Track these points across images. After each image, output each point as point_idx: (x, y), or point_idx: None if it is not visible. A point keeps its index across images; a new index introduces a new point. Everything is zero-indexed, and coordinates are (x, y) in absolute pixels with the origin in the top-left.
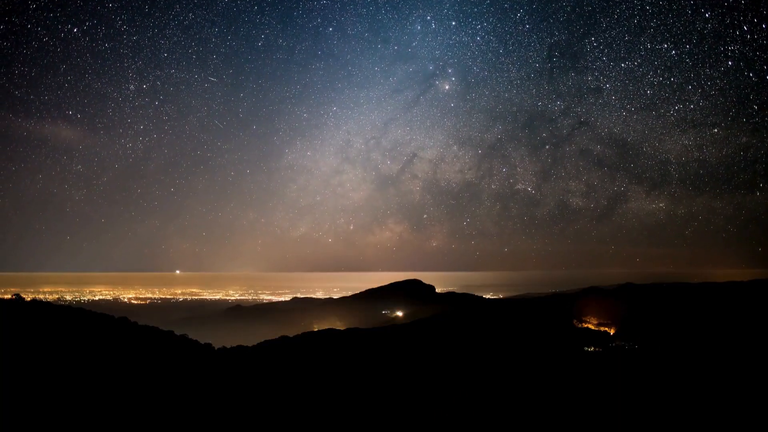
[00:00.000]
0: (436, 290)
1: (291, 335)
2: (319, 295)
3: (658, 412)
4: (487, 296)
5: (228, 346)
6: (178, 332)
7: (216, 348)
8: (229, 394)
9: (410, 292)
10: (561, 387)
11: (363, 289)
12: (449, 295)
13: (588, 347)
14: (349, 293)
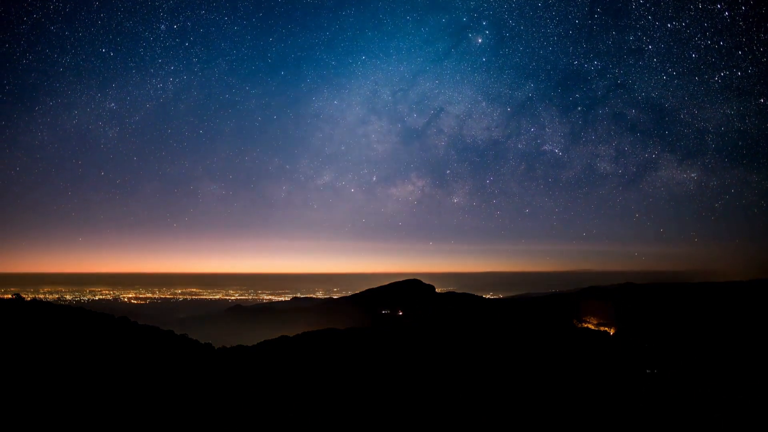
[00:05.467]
0: (436, 290)
1: (291, 335)
2: (319, 295)
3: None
4: (487, 296)
5: (228, 346)
6: (178, 332)
7: (216, 348)
8: (229, 394)
9: (410, 292)
10: (560, 387)
11: (363, 289)
12: (449, 295)
13: (587, 347)
14: (349, 293)
